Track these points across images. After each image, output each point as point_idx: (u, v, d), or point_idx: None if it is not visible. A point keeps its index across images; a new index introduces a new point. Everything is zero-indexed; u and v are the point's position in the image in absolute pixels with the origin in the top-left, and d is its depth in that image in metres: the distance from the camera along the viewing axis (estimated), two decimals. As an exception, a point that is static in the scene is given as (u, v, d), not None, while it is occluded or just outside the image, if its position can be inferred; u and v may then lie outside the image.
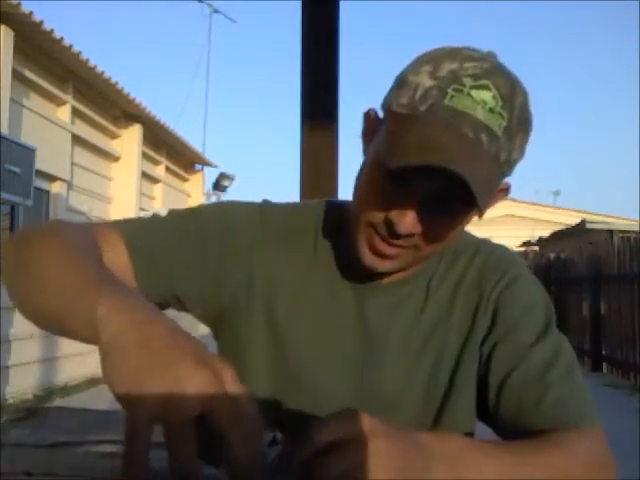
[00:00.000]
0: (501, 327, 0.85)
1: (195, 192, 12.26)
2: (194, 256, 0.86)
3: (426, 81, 0.72)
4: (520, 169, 0.79)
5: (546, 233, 14.31)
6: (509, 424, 0.81)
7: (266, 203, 0.94)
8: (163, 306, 0.86)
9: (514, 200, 17.89)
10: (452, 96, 0.71)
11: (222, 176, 12.72)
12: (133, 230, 0.85)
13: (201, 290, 0.86)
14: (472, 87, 0.71)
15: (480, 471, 0.64)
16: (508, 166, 0.75)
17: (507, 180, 0.80)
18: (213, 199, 12.72)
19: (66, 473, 0.55)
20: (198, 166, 12.42)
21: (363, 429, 0.57)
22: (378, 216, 0.77)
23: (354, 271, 0.87)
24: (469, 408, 0.87)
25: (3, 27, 5.84)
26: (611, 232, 11.21)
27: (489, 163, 0.71)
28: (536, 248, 14.26)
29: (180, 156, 11.38)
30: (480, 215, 0.74)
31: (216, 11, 13.54)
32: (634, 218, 12.87)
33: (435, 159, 0.68)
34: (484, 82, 0.71)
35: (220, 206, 0.94)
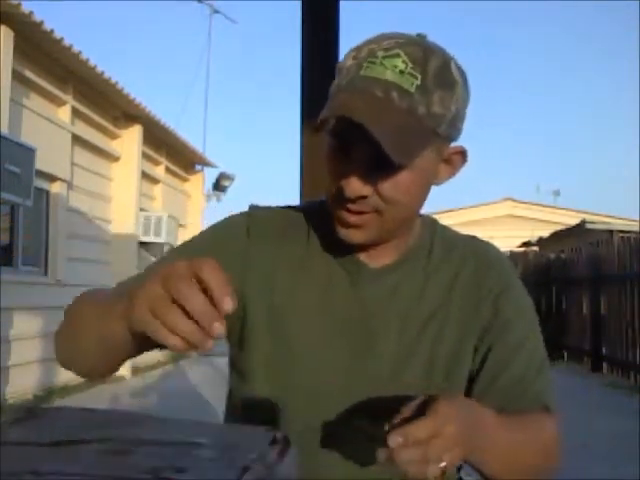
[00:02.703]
0: (497, 329, 0.94)
1: (195, 192, 12.26)
2: None
3: (349, 62, 0.83)
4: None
5: (546, 233, 14.30)
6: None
7: (253, 207, 1.00)
8: None
9: (514, 200, 17.90)
10: (366, 67, 0.80)
11: (222, 176, 12.72)
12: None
13: None
14: (384, 57, 0.80)
15: (496, 441, 0.79)
16: (433, 120, 0.80)
17: (462, 144, 0.88)
18: (213, 199, 12.73)
19: (72, 472, 0.56)
20: (198, 166, 12.42)
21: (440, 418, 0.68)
22: (334, 187, 0.85)
23: (347, 257, 0.93)
24: (464, 385, 0.95)
25: (3, 27, 5.84)
26: (611, 232, 11.20)
27: (403, 116, 0.78)
28: (536, 248, 14.26)
29: (180, 156, 11.39)
30: (404, 161, 0.79)
31: (216, 11, 13.54)
32: (634, 218, 12.87)
33: (340, 112, 0.78)
34: (395, 52, 0.80)
35: (211, 226, 1.01)
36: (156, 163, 10.48)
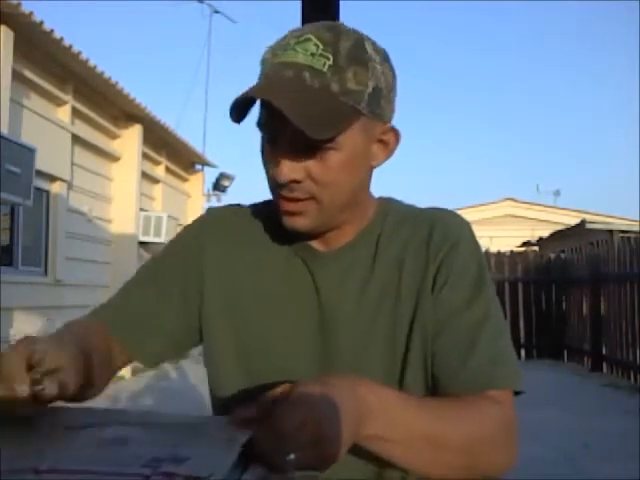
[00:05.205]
0: (436, 290, 0.90)
1: (195, 192, 12.25)
2: (159, 298, 0.98)
3: (267, 55, 0.86)
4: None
5: (546, 233, 14.28)
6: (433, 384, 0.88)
7: (209, 210, 1.06)
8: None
9: (514, 200, 17.88)
10: (280, 55, 0.83)
11: (222, 176, 12.71)
12: (106, 312, 0.99)
13: (177, 324, 0.98)
14: (296, 43, 0.82)
15: (407, 427, 0.73)
16: (351, 96, 0.81)
17: (393, 125, 0.89)
18: (213, 199, 12.73)
19: (72, 469, 0.56)
20: (198, 166, 12.41)
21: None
22: (270, 178, 0.87)
23: (301, 246, 0.94)
24: (427, 365, 0.89)
25: (3, 27, 5.84)
26: (611, 232, 11.19)
27: (316, 93, 0.80)
28: (536, 248, 14.24)
29: (180, 156, 11.38)
30: (322, 136, 0.79)
31: (216, 11, 13.48)
32: (634, 218, 12.86)
33: (247, 95, 0.80)
34: (306, 37, 0.82)
35: (171, 240, 1.05)
36: (156, 163, 10.48)
